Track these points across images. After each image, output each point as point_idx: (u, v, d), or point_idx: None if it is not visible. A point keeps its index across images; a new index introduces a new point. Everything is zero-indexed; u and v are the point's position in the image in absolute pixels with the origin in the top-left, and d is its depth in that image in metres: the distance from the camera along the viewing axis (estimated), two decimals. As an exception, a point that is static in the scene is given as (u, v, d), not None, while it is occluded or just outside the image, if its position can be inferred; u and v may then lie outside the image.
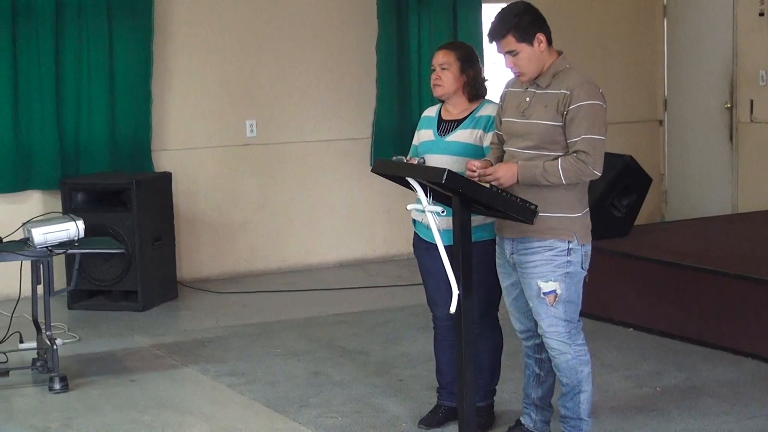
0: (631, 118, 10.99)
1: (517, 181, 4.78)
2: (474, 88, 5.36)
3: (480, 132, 5.27)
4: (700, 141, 10.89)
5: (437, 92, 5.38)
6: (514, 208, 4.67)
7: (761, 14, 10.12)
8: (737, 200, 10.52)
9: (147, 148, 9.01)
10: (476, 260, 4.89)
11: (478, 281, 5.00)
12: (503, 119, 5.02)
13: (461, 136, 5.31)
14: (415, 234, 5.53)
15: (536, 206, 4.66)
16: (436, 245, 4.80)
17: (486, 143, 5.23)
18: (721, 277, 6.92)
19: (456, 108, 5.39)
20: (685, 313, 7.13)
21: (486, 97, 5.42)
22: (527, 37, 4.82)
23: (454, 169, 4.73)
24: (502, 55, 4.90)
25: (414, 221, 5.50)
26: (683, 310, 7.14)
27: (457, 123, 5.36)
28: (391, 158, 5.17)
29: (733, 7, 10.40)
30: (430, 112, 5.56)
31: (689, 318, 7.09)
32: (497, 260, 5.12)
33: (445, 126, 5.39)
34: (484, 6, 10.03)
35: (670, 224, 9.98)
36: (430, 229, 4.85)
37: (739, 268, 6.94)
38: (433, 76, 5.38)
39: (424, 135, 5.46)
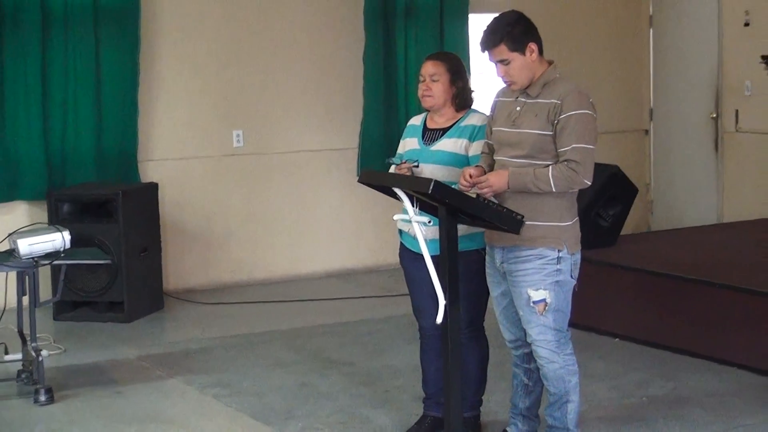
0: (617, 127, 11.00)
1: (508, 187, 4.79)
2: (462, 98, 5.37)
3: (465, 141, 5.27)
4: (685, 151, 10.92)
5: (427, 103, 5.37)
6: (501, 219, 4.67)
7: (746, 24, 10.17)
8: (722, 210, 10.54)
9: (133, 158, 8.99)
10: (462, 270, 4.89)
11: (464, 291, 5.00)
12: (494, 129, 5.03)
13: (446, 145, 5.31)
14: (402, 244, 5.53)
15: (523, 216, 4.67)
16: (422, 255, 4.80)
17: (471, 153, 5.24)
18: (707, 286, 6.94)
19: (442, 117, 5.40)
20: (671, 323, 7.14)
21: (472, 107, 5.43)
22: (519, 47, 4.83)
23: (439, 178, 4.73)
24: (493, 64, 4.91)
25: (400, 231, 5.50)
26: (669, 319, 7.15)
27: (442, 132, 5.36)
28: (377, 168, 5.18)
29: (719, 17, 10.44)
30: (416, 120, 5.56)
31: (675, 327, 7.10)
32: (487, 269, 5.12)
33: (430, 135, 5.39)
34: (471, 16, 10.04)
35: (656, 234, 10.01)
36: (417, 239, 4.84)
37: (724, 278, 6.96)
38: (423, 87, 5.37)
39: (409, 144, 5.47)
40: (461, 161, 5.24)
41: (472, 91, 5.44)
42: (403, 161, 5.31)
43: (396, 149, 5.65)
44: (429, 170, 5.26)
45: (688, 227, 9.65)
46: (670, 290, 7.17)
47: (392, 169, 5.33)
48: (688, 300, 7.05)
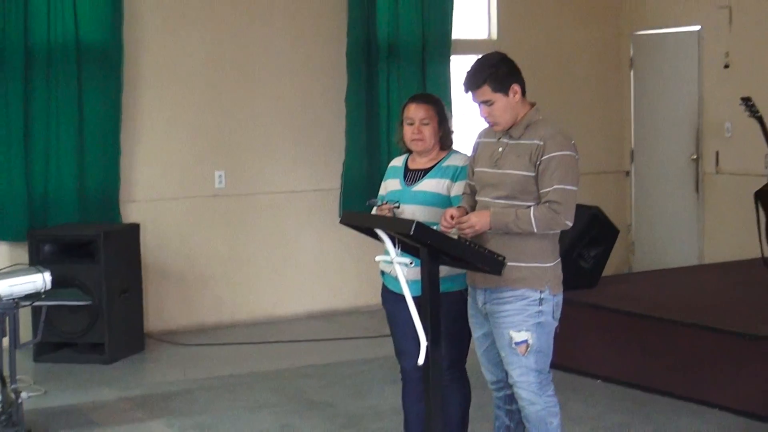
0: (598, 169, 11.06)
1: (490, 227, 4.80)
2: (446, 140, 5.39)
3: (447, 182, 5.28)
4: (666, 192, 10.97)
5: (418, 147, 5.37)
6: (482, 260, 4.68)
7: (726, 66, 10.24)
8: (703, 251, 10.58)
9: (115, 199, 8.98)
10: (444, 311, 4.89)
11: (446, 332, 4.99)
12: (475, 169, 5.05)
13: (428, 185, 5.32)
14: (384, 285, 5.52)
15: (504, 258, 4.67)
16: (404, 296, 4.79)
17: (453, 193, 5.25)
18: (688, 327, 6.94)
19: (424, 158, 5.41)
20: (652, 364, 7.14)
21: (453, 148, 5.44)
22: (503, 88, 4.85)
23: (421, 218, 4.72)
24: (476, 105, 4.93)
25: (382, 272, 5.49)
26: (650, 361, 7.15)
27: (424, 172, 5.37)
28: (359, 209, 5.18)
29: (699, 59, 10.52)
30: (397, 162, 5.56)
31: (656, 369, 7.10)
32: (469, 310, 5.12)
33: (411, 175, 5.40)
34: (453, 58, 10.09)
35: (637, 275, 10.03)
36: (399, 280, 4.84)
37: (705, 319, 6.97)
38: (413, 130, 5.34)
39: (390, 185, 5.47)
40: (443, 202, 5.24)
41: (452, 132, 5.46)
42: (384, 202, 5.32)
43: (378, 190, 5.66)
44: (410, 211, 5.26)
45: (669, 268, 9.67)
46: (651, 331, 7.18)
47: (374, 211, 5.34)
48: (669, 341, 7.06)
